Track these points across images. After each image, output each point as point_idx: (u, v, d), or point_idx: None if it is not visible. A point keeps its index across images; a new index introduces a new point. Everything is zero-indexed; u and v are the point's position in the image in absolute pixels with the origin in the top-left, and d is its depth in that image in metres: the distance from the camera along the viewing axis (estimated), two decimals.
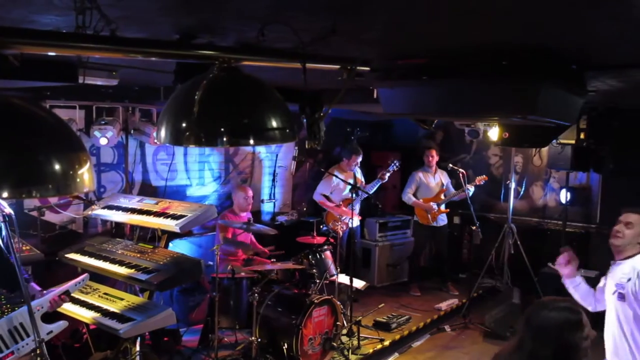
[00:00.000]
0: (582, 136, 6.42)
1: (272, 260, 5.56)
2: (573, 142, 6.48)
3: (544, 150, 7.43)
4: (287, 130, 2.00)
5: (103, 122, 5.21)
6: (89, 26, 1.71)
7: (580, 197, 7.47)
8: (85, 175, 1.53)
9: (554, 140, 6.54)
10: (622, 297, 3.11)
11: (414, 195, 7.40)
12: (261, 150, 7.22)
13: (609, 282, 3.25)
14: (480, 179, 7.21)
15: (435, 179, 7.48)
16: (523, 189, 8.02)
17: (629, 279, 3.10)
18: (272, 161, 7.38)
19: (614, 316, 3.19)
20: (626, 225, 3.16)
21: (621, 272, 3.17)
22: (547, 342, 1.98)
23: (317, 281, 5.46)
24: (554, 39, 2.60)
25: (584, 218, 7.52)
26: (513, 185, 7.29)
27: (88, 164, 1.57)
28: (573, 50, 2.91)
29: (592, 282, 6.76)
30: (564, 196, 7.19)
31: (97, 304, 4.26)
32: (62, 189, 1.51)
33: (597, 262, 7.02)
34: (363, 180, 7.35)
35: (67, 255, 4.80)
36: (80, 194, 4.98)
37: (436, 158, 7.44)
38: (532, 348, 2.02)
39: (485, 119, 5.68)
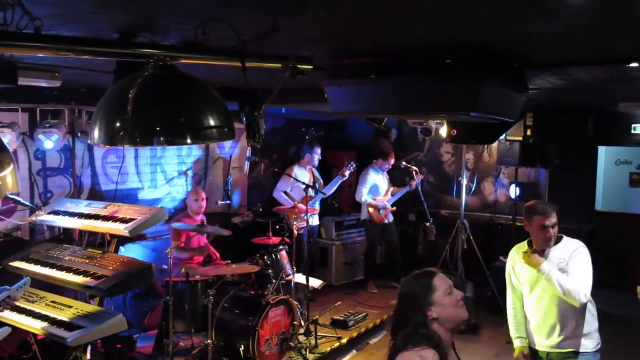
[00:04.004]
0: (528, 133, 6.64)
1: (227, 262, 5.51)
2: (520, 139, 6.69)
3: (494, 147, 7.64)
4: (226, 129, 1.99)
5: (48, 126, 5.05)
6: (11, 23, 1.65)
7: (529, 192, 7.70)
8: (8, 178, 1.48)
9: (503, 138, 6.74)
10: None
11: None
12: (215, 151, 7.15)
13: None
14: (419, 177, 7.40)
15: (385, 179, 7.61)
16: (475, 185, 8.21)
17: (566, 260, 3.34)
18: (227, 162, 7.32)
19: (557, 297, 3.35)
20: (553, 227, 3.34)
21: (557, 256, 3.37)
22: (410, 307, 2.15)
23: (274, 282, 5.44)
24: (493, 38, 2.67)
25: None
26: (465, 181, 7.45)
27: (11, 167, 1.52)
28: (513, 49, 3.01)
29: None
30: (514, 191, 7.40)
31: (44, 312, 4.11)
32: None
33: None
34: (322, 180, 7.40)
35: (11, 264, 4.62)
36: (19, 199, 4.82)
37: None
38: (401, 314, 2.20)
39: (433, 116, 5.80)
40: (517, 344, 3.58)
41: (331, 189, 7.18)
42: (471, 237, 7.12)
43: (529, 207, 3.43)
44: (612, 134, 7.29)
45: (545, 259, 3.36)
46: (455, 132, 5.21)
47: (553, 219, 3.32)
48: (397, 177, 8.10)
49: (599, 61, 3.28)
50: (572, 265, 3.31)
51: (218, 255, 6.01)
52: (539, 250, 3.41)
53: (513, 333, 3.63)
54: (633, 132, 7.11)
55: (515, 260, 3.59)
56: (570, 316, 3.37)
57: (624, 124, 7.13)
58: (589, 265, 3.35)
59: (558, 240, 3.41)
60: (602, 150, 7.28)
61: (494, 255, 7.25)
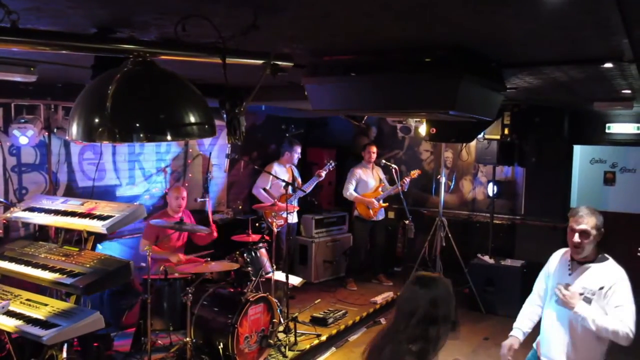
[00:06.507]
0: (506, 132, 6.74)
1: (207, 259, 5.48)
2: (498, 137, 6.79)
3: (472, 145, 7.74)
4: (206, 126, 1.98)
5: (23, 121, 4.96)
6: None
7: (506, 190, 7.81)
8: None
9: (481, 136, 6.82)
10: (588, 301, 3.07)
11: (354, 191, 7.51)
12: (194, 147, 7.10)
13: (575, 283, 3.15)
14: (415, 173, 7.42)
15: (374, 175, 7.64)
16: (453, 183, 8.30)
17: (602, 287, 3.06)
18: (206, 159, 7.28)
19: (569, 313, 3.11)
20: (581, 235, 3.10)
21: (592, 277, 3.12)
22: None
23: (253, 279, 5.43)
24: (471, 37, 2.71)
25: (509, 210, 7.87)
26: (443, 179, 7.53)
27: None
28: (490, 48, 3.05)
29: (519, 270, 7.06)
30: (491, 189, 7.50)
31: (18, 310, 4.04)
32: None
33: (522, 252, 7.38)
34: (300, 179, 7.40)
35: None
36: None
37: (376, 153, 7.61)
38: None
39: (412, 114, 5.85)
40: (512, 333, 3.37)
41: (307, 188, 7.19)
42: (449, 235, 7.19)
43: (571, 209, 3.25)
44: (587, 133, 7.43)
45: (581, 275, 3.13)
46: (434, 130, 5.26)
47: (581, 225, 3.09)
48: None
49: (574, 61, 3.35)
50: (613, 300, 3.01)
51: (216, 232, 5.94)
52: (576, 259, 3.18)
53: (516, 323, 3.42)
54: (607, 131, 7.26)
55: (554, 264, 3.39)
56: (585, 339, 3.11)
57: (599, 124, 7.27)
58: (631, 299, 3.05)
59: (602, 259, 3.15)
60: (578, 149, 7.41)
61: (472, 252, 7.35)
